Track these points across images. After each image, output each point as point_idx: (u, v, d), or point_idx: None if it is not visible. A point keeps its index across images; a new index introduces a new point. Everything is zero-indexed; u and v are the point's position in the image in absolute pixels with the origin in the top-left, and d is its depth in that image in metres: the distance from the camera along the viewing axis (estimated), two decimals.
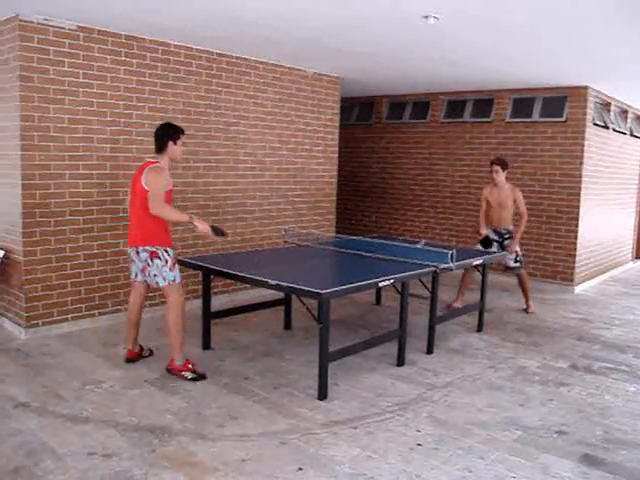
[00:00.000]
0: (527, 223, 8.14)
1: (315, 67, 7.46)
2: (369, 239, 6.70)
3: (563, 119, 7.93)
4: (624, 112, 9.33)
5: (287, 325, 5.85)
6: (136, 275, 4.61)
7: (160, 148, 4.44)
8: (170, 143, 4.42)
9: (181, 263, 4.89)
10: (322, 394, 4.14)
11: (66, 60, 5.26)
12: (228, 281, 6.50)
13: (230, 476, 3.13)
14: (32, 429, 3.58)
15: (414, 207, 9.60)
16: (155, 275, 4.40)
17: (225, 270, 4.68)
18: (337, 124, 8.20)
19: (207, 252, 6.45)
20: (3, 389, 4.17)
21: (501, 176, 6.48)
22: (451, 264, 5.00)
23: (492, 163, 6.55)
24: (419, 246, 5.85)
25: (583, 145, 7.80)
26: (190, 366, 4.45)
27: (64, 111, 5.30)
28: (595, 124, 8.06)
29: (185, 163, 6.19)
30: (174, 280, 4.42)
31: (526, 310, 6.85)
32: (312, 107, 7.70)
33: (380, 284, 4.50)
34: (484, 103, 8.72)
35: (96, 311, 5.74)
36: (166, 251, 4.42)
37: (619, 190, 9.52)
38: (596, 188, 8.40)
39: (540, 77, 7.39)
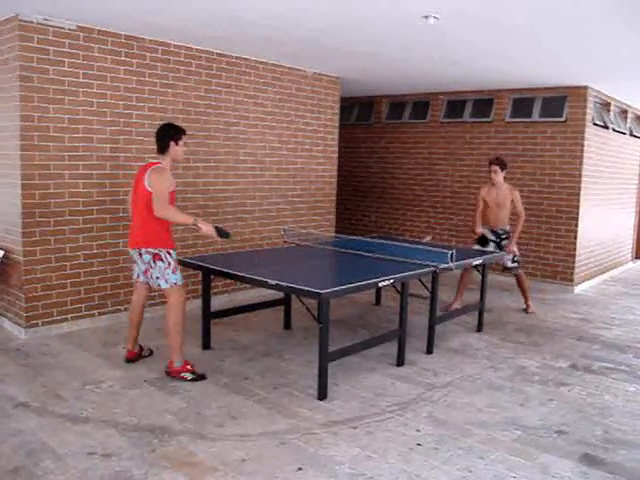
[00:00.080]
0: (527, 223, 8.22)
1: (315, 67, 7.46)
2: (369, 239, 6.70)
3: (563, 119, 7.93)
4: (624, 112, 9.33)
5: (287, 325, 5.85)
6: (138, 276, 4.60)
7: (162, 149, 4.43)
8: (172, 143, 4.42)
9: (181, 263, 4.89)
10: (322, 394, 4.14)
11: (66, 60, 5.26)
12: (228, 281, 6.50)
13: (230, 476, 3.13)
14: (32, 429, 3.58)
15: (414, 207, 9.60)
16: (157, 277, 4.39)
17: (225, 270, 4.68)
18: (337, 124, 8.20)
19: (207, 252, 6.45)
20: (3, 389, 4.17)
21: (500, 176, 6.47)
22: (451, 264, 5.00)
23: (491, 163, 6.54)
24: (426, 239, 5.85)
25: (583, 145, 7.80)
26: (189, 367, 4.44)
27: (64, 111, 5.30)
28: (595, 124, 8.06)
29: (185, 163, 6.18)
30: (176, 283, 4.42)
31: (526, 310, 6.85)
32: (312, 107, 7.71)
33: (380, 284, 4.50)
34: (484, 103, 8.72)
35: (96, 311, 5.74)
36: (169, 253, 4.41)
37: (619, 190, 9.52)
38: (596, 188, 8.40)
39: (540, 77, 7.39)
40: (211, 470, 3.18)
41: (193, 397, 4.12)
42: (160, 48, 5.93)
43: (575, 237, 7.97)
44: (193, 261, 5.00)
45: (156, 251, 4.35)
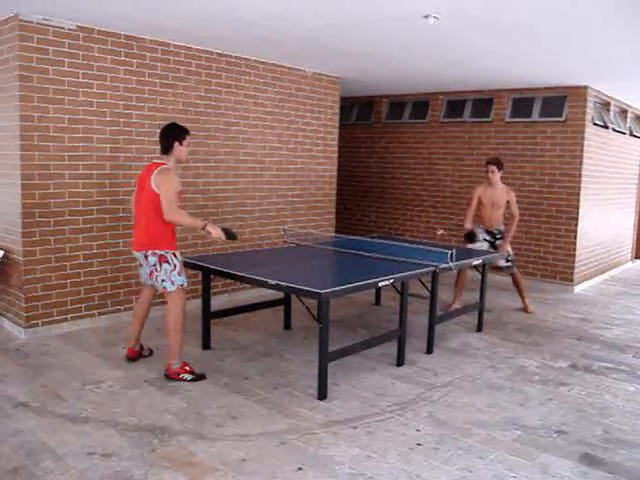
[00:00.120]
0: (527, 223, 8.26)
1: (315, 67, 7.46)
2: (369, 239, 6.70)
3: (563, 119, 7.93)
4: (624, 112, 9.33)
5: (287, 325, 5.85)
6: (145, 280, 4.58)
7: (166, 149, 4.41)
8: (176, 144, 4.40)
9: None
10: (322, 394, 4.14)
11: (66, 60, 5.26)
12: (228, 281, 6.50)
13: (230, 476, 3.13)
14: (32, 429, 3.58)
15: (414, 207, 9.60)
16: (163, 280, 4.36)
17: (225, 270, 4.68)
18: (337, 124, 8.20)
19: (207, 252, 6.45)
20: (3, 389, 4.17)
21: (497, 176, 6.47)
22: (451, 264, 5.01)
23: (488, 163, 6.54)
24: (439, 232, 5.89)
25: (583, 145, 7.80)
26: (187, 368, 4.43)
27: (64, 111, 5.30)
28: (595, 124, 8.06)
29: (185, 163, 6.15)
30: (182, 285, 4.42)
31: (525, 310, 6.85)
32: (312, 107, 7.71)
33: (380, 284, 4.50)
34: (484, 103, 8.72)
35: (95, 311, 5.74)
36: (175, 255, 4.40)
37: (619, 190, 9.52)
38: (596, 188, 8.40)
39: (540, 77, 7.39)
40: (211, 470, 3.18)
41: (193, 397, 4.12)
42: (160, 48, 5.93)
43: (575, 237, 7.97)
44: (193, 261, 5.00)
45: (162, 253, 4.33)
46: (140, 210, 4.41)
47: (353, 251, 5.63)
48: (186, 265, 5.00)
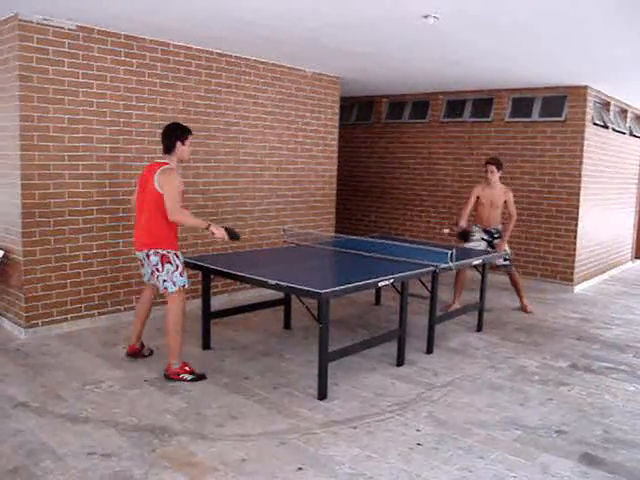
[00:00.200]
0: (527, 223, 8.27)
1: (315, 67, 7.46)
2: (369, 239, 6.70)
3: (562, 119, 7.93)
4: (623, 112, 9.33)
5: (287, 325, 5.85)
6: (149, 280, 4.59)
7: (168, 149, 4.42)
8: (178, 143, 4.40)
9: None
10: (322, 394, 4.14)
11: (66, 60, 5.26)
12: (228, 281, 6.49)
13: (230, 476, 3.13)
14: (32, 429, 3.58)
15: (414, 207, 9.60)
16: (165, 280, 4.35)
17: (225, 270, 4.68)
18: (337, 124, 8.20)
19: (207, 252, 6.45)
20: (3, 389, 4.17)
21: (495, 176, 6.48)
22: (451, 264, 5.00)
23: (487, 163, 6.56)
24: (445, 231, 5.95)
25: (583, 145, 7.80)
26: (187, 368, 4.43)
27: (64, 111, 5.30)
28: (595, 124, 8.06)
29: (185, 163, 6.17)
30: (184, 285, 4.41)
31: (524, 310, 6.85)
32: (312, 107, 7.71)
33: (380, 284, 4.50)
34: (483, 103, 8.72)
35: (95, 311, 5.74)
36: (177, 255, 4.40)
37: (619, 190, 9.52)
38: (596, 188, 8.40)
39: (540, 77, 7.39)
40: (211, 470, 3.18)
41: (193, 397, 4.12)
42: (160, 48, 5.93)
43: (575, 237, 7.97)
44: (193, 261, 5.00)
45: (164, 252, 4.33)
46: (142, 209, 4.40)
47: (353, 251, 5.63)
48: (186, 265, 4.99)
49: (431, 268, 4.92)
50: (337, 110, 8.17)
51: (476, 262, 5.77)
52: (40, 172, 5.21)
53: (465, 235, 6.40)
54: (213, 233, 4.35)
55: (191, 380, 4.37)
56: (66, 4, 4.69)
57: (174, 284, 4.36)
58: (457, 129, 8.99)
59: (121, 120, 5.72)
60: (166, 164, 4.35)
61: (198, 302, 5.48)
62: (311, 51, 6.38)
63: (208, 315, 5.16)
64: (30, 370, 4.55)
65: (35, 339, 5.25)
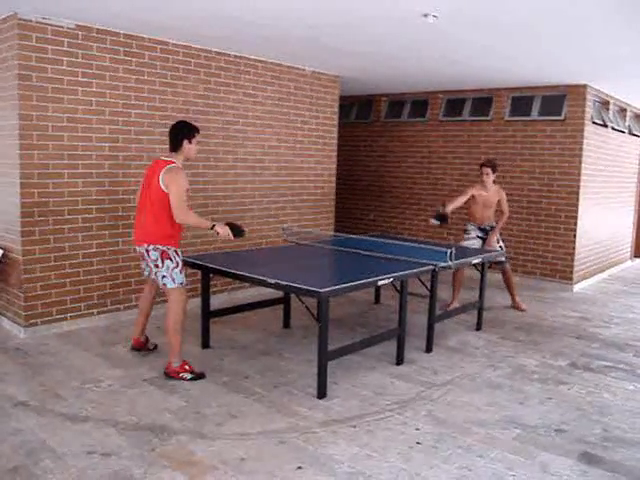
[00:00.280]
0: (527, 222, 8.29)
1: (314, 66, 7.45)
2: (368, 237, 6.70)
3: (562, 117, 7.93)
4: (623, 110, 9.33)
5: (286, 324, 5.85)
6: (148, 274, 4.60)
7: (175, 147, 4.41)
8: (185, 142, 4.39)
9: None
10: (321, 393, 4.15)
11: (65, 59, 5.25)
12: (227, 280, 6.49)
13: (229, 475, 3.13)
14: (31, 428, 3.58)
15: (413, 205, 9.60)
16: (164, 277, 4.36)
17: (224, 269, 4.68)
18: (336, 122, 8.19)
19: (206, 250, 6.45)
20: (2, 388, 4.17)
21: (490, 178, 6.57)
22: (450, 263, 5.01)
23: (483, 165, 6.60)
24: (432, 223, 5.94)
25: (582, 143, 7.80)
26: (187, 367, 4.43)
27: (63, 110, 5.30)
28: (594, 122, 8.06)
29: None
30: (182, 283, 4.42)
31: (517, 308, 6.87)
32: (311, 105, 7.70)
33: (379, 283, 4.50)
34: (483, 102, 8.71)
35: (95, 310, 5.73)
36: (177, 252, 4.41)
37: (618, 188, 9.52)
38: (595, 186, 8.40)
39: (539, 76, 7.39)
40: (210, 469, 3.18)
41: (192, 396, 4.12)
42: (159, 47, 5.93)
43: (574, 235, 7.97)
44: (192, 260, 4.99)
45: (164, 248, 4.33)
46: (145, 206, 4.40)
47: (352, 250, 5.63)
48: (185, 264, 5.00)
49: (430, 267, 4.93)
50: (336, 109, 8.16)
51: (475, 261, 5.77)
52: (39, 171, 5.21)
53: (441, 217, 6.32)
54: (218, 233, 4.37)
55: (190, 379, 4.37)
56: (66, 3, 4.68)
57: (173, 280, 4.36)
58: (456, 128, 8.99)
59: (120, 119, 5.71)
60: (172, 162, 4.34)
61: (197, 301, 5.48)
62: (311, 50, 6.38)
63: (207, 314, 5.16)
64: (29, 369, 4.55)
65: (34, 338, 5.25)
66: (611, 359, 5.26)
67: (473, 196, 6.59)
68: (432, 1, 4.29)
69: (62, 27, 5.20)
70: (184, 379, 4.37)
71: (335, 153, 8.23)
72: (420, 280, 5.32)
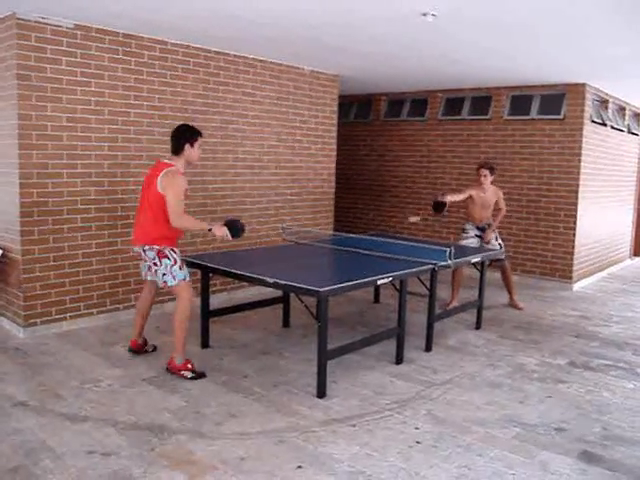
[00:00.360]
0: (526, 221, 8.30)
1: (313, 65, 7.45)
2: (367, 237, 6.70)
3: (561, 116, 7.92)
4: (622, 109, 9.33)
5: (286, 323, 5.85)
6: (146, 274, 4.60)
7: (176, 150, 4.41)
8: (187, 145, 4.38)
9: None
10: (321, 392, 4.15)
11: (63, 58, 5.25)
12: (227, 279, 6.49)
13: (229, 474, 3.13)
14: (31, 428, 3.58)
15: (412, 205, 9.59)
16: (164, 274, 4.37)
17: (224, 268, 4.68)
18: (335, 122, 8.19)
19: (205, 250, 6.45)
20: (2, 388, 4.17)
21: (489, 180, 6.59)
22: (449, 262, 5.01)
23: (481, 167, 6.62)
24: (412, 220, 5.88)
25: (581, 142, 7.80)
26: (189, 365, 4.44)
27: (62, 110, 5.29)
28: (593, 121, 8.06)
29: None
30: (184, 279, 4.42)
31: (515, 306, 6.88)
32: (310, 105, 7.70)
33: (378, 282, 4.51)
34: (482, 100, 8.71)
35: (94, 310, 5.73)
36: (173, 250, 4.41)
37: (617, 187, 9.52)
38: (594, 185, 8.40)
39: (538, 75, 7.39)
40: (210, 468, 3.18)
41: (192, 395, 4.12)
42: (158, 46, 5.92)
43: (574, 234, 7.97)
44: (192, 259, 4.99)
45: (160, 248, 4.35)
46: (143, 207, 4.41)
47: (352, 249, 5.63)
48: (185, 263, 5.00)
49: (430, 266, 4.93)
50: (336, 108, 8.16)
51: (475, 260, 5.77)
52: (38, 171, 5.20)
53: (439, 205, 6.30)
54: (215, 234, 4.36)
55: (191, 378, 4.37)
56: (66, 2, 4.67)
57: (174, 278, 4.37)
58: (456, 127, 8.98)
59: (119, 119, 5.71)
60: (171, 165, 4.34)
61: (197, 300, 5.46)
62: (311, 49, 6.37)
63: (207, 313, 5.17)
64: (29, 369, 4.55)
65: (34, 338, 5.25)
66: (610, 358, 5.26)
67: (471, 197, 6.61)
68: (431, 0, 4.28)
69: (61, 27, 5.20)
70: (184, 377, 4.37)
71: (334, 152, 8.23)
72: (419, 279, 5.31)
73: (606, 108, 8.57)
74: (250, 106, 6.91)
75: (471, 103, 8.84)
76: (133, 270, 5.88)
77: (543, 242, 8.25)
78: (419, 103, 9.42)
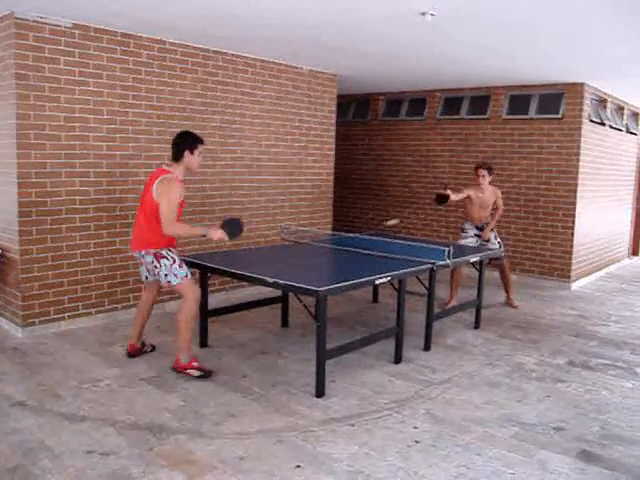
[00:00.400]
0: (525, 220, 8.31)
1: (312, 64, 7.45)
2: (366, 236, 6.70)
3: (559, 116, 7.93)
4: (620, 109, 9.34)
5: (284, 323, 5.85)
6: (146, 277, 4.60)
7: (176, 157, 4.39)
8: (187, 152, 4.36)
9: None
10: (320, 391, 4.14)
11: (62, 58, 5.24)
12: (225, 279, 6.49)
13: (228, 474, 3.13)
14: (29, 428, 3.57)
15: (411, 204, 9.60)
16: (166, 275, 4.36)
17: (222, 268, 4.67)
18: (334, 121, 8.19)
19: (204, 250, 6.44)
20: (0, 388, 4.16)
21: (487, 180, 6.59)
22: (448, 261, 5.01)
23: (479, 167, 6.63)
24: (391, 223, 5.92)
25: (579, 142, 7.80)
26: (195, 364, 4.44)
27: (60, 109, 5.28)
28: (591, 121, 8.06)
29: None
30: (186, 276, 4.41)
31: (511, 305, 6.89)
32: (309, 104, 7.70)
33: (377, 281, 4.50)
34: (481, 100, 8.72)
35: (93, 309, 5.73)
36: (170, 251, 4.41)
37: (615, 187, 9.53)
38: (592, 185, 8.41)
39: (537, 74, 7.40)
40: (209, 468, 3.18)
41: (191, 395, 4.12)
42: (156, 46, 5.91)
43: (572, 234, 7.98)
44: (190, 259, 4.98)
45: (156, 251, 4.36)
46: (141, 212, 4.42)
47: (350, 248, 5.63)
48: (184, 263, 5.00)
49: (428, 265, 4.93)
50: (334, 107, 8.16)
51: (473, 259, 5.78)
52: (37, 170, 5.19)
53: (442, 197, 6.29)
54: (212, 238, 4.35)
55: (198, 376, 4.37)
56: (64, 2, 4.66)
57: (176, 276, 4.37)
58: (454, 126, 8.99)
59: (118, 118, 5.70)
60: (169, 173, 4.33)
61: None
62: (310, 49, 6.37)
63: (205, 313, 5.15)
64: (27, 369, 4.54)
65: (32, 338, 5.24)
66: (609, 357, 5.27)
67: (470, 197, 6.61)
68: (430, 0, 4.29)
69: (59, 26, 5.19)
70: (191, 375, 4.37)
71: (333, 152, 8.23)
72: (418, 279, 5.31)
73: (604, 107, 8.58)
74: (249, 105, 6.91)
75: (470, 102, 8.84)
76: (132, 270, 5.88)
77: (542, 241, 8.25)
78: (417, 103, 9.42)
